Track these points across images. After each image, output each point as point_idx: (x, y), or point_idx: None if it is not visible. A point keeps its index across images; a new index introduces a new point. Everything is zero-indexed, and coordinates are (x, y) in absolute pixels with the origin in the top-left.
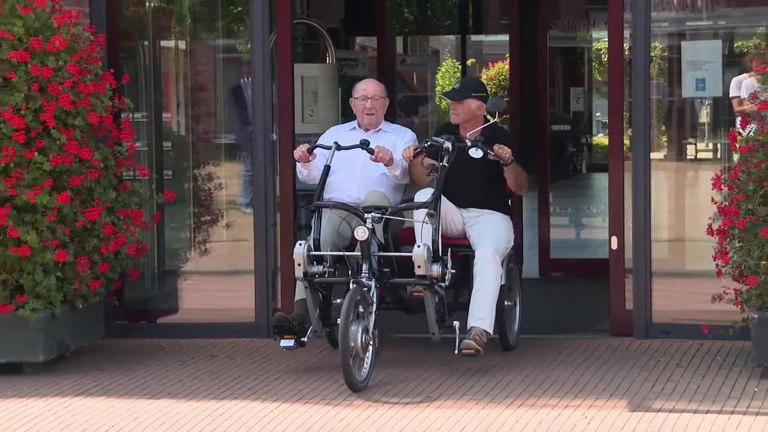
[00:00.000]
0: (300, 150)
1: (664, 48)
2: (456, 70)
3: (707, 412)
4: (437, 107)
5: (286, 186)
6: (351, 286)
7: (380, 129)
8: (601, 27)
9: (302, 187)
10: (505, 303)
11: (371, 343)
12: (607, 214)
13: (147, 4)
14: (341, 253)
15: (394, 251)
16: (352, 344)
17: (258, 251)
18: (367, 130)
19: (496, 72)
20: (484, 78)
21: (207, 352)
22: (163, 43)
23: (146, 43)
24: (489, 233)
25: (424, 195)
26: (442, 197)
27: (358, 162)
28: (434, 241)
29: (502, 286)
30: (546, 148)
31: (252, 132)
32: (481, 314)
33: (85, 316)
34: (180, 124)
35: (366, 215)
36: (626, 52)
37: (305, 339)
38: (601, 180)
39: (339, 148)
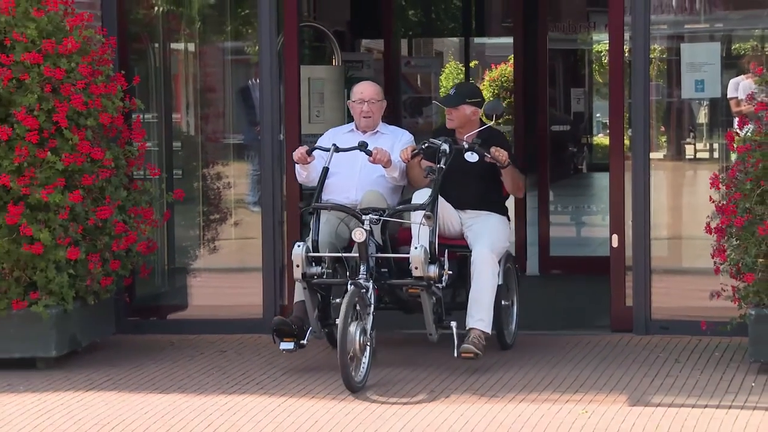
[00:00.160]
0: (299, 152)
1: (664, 50)
2: (459, 71)
3: (705, 406)
4: (440, 108)
5: (293, 185)
6: (349, 287)
7: (378, 131)
8: (601, 29)
9: (308, 187)
10: (503, 302)
11: (369, 343)
12: (607, 212)
13: (157, 7)
14: (339, 254)
15: (392, 251)
16: (350, 345)
17: (266, 249)
18: (364, 132)
19: (498, 74)
20: (487, 80)
21: (216, 348)
22: (173, 45)
23: (156, 45)
24: (486, 233)
25: (421, 195)
26: (440, 198)
27: (356, 164)
28: (431, 243)
29: (499, 285)
30: (546, 148)
31: (260, 132)
32: (480, 315)
33: (96, 312)
34: (189, 124)
35: (364, 217)
36: (626, 54)
37: (304, 341)
38: (602, 179)
39: (337, 149)
